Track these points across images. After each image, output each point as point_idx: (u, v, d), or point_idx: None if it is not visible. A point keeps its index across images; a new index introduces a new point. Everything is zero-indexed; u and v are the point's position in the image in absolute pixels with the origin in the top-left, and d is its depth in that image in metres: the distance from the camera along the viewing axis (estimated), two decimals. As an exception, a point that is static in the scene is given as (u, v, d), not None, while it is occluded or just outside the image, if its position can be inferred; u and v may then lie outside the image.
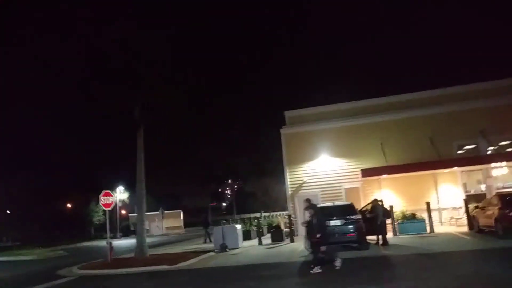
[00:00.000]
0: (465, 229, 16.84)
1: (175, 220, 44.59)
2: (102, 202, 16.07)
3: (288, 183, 22.31)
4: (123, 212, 51.30)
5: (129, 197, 44.42)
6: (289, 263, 12.65)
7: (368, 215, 15.28)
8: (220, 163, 54.51)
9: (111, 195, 16.37)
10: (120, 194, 42.48)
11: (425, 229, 17.28)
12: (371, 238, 14.95)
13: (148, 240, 29.98)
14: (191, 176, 59.44)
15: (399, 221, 17.83)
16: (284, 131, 22.73)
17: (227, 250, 17.09)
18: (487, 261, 10.26)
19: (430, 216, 17.32)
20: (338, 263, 10.45)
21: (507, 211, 13.11)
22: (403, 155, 20.14)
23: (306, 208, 11.62)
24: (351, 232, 13.47)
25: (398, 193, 20.61)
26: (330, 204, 15.08)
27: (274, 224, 21.24)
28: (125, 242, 33.07)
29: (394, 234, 17.46)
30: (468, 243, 13.35)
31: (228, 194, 69.03)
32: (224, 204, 73.50)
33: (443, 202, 19.98)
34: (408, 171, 19.03)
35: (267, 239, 20.10)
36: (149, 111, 17.28)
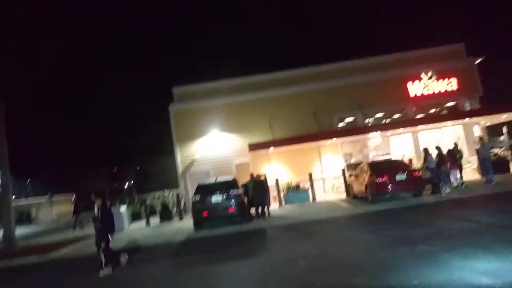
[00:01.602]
0: (344, 196, 18.01)
1: (67, 206, 41.50)
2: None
3: (179, 161, 21.82)
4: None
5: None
6: (173, 243, 12.30)
7: (249, 189, 15.46)
8: (116, 145, 51.77)
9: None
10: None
11: (309, 198, 18.16)
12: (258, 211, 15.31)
13: (34, 229, 27.66)
14: (88, 160, 55.79)
15: (284, 192, 18.51)
16: (172, 108, 22.03)
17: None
18: (350, 226, 10.97)
19: (312, 186, 18.21)
20: (123, 260, 9.53)
21: (375, 178, 14.18)
22: (290, 129, 20.82)
23: None
24: (232, 207, 13.55)
25: (286, 165, 21.36)
26: (212, 180, 14.95)
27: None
28: (19, 231, 29.96)
29: (280, 204, 18.10)
30: (341, 210, 14.22)
31: (128, 175, 66.22)
32: (126, 186, 70.59)
33: (326, 172, 21.16)
34: (292, 143, 19.67)
35: (158, 219, 19.54)
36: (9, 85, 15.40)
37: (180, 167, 21.73)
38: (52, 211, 39.57)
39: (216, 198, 13.63)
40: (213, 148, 21.60)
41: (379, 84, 21.24)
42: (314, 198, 18.10)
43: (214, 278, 7.25)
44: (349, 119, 22.11)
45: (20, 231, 27.65)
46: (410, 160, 17.82)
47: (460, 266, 5.69)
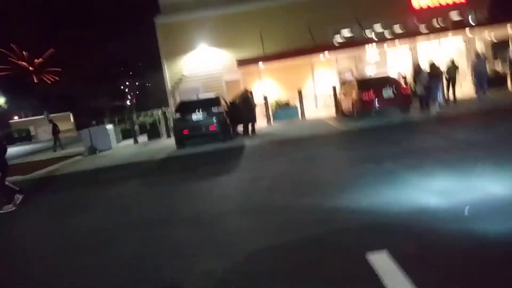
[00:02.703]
0: (334, 113, 17.62)
1: (65, 123, 41.87)
2: None
3: (167, 77, 21.20)
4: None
5: (8, 102, 40.18)
6: (150, 161, 12.28)
7: (233, 106, 15.08)
8: (114, 62, 50.58)
9: None
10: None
11: (297, 116, 17.82)
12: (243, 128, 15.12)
13: (32, 146, 28.05)
14: (87, 77, 55.00)
15: (273, 109, 18.15)
16: (159, 20, 20.83)
17: (97, 152, 16.27)
18: (329, 144, 10.73)
19: (301, 103, 17.76)
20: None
21: (361, 94, 13.66)
22: (282, 43, 19.75)
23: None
24: (213, 125, 13.29)
25: (278, 82, 20.72)
26: (193, 98, 14.51)
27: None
28: (12, 150, 30.55)
29: (268, 122, 17.84)
30: (326, 127, 13.93)
31: (129, 92, 65.74)
32: (128, 103, 70.54)
33: (319, 89, 20.52)
34: (284, 58, 18.82)
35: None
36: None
37: (168, 84, 21.18)
38: (50, 128, 39.83)
39: (197, 116, 13.34)
40: (202, 64, 20.82)
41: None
42: (303, 115, 17.75)
43: (174, 196, 7.18)
44: (346, 33, 20.88)
45: (18, 149, 28.17)
46: (405, 77, 17.07)
47: (415, 185, 5.45)
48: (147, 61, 48.49)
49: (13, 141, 36.38)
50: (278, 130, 15.36)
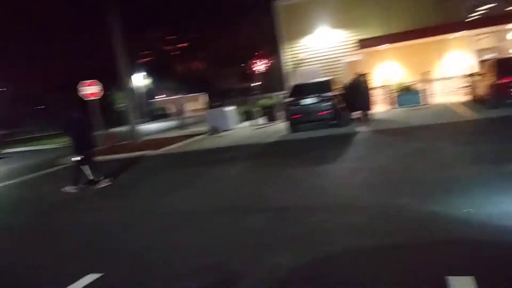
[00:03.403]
0: (466, 99, 15.72)
1: (197, 103, 45.38)
2: (82, 93, 16.15)
3: (285, 60, 21.28)
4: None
5: (153, 83, 45.07)
6: (261, 143, 12.64)
7: (349, 89, 14.44)
8: (241, 45, 52.50)
9: (96, 84, 16.32)
10: (142, 80, 43.01)
11: (419, 101, 16.36)
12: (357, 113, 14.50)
13: (168, 123, 31.12)
14: (219, 60, 58.43)
15: (394, 94, 16.96)
16: (279, 2, 20.88)
17: (217, 132, 17.29)
18: (450, 135, 9.61)
19: (425, 88, 16.23)
20: (103, 184, 9.14)
21: (498, 78, 11.87)
22: (409, 21, 18.10)
23: None
24: (325, 110, 12.97)
25: (403, 63, 19.18)
26: (306, 81, 14.29)
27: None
28: (152, 126, 34.55)
29: (390, 107, 16.77)
30: (451, 115, 12.55)
31: (255, 74, 67.81)
32: (255, 84, 72.99)
33: (451, 71, 18.43)
34: (410, 38, 17.31)
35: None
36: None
37: (286, 67, 21.27)
38: (186, 107, 43.62)
39: (309, 100, 13.14)
40: (322, 46, 20.35)
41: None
42: (429, 101, 16.21)
43: (270, 181, 7.26)
44: (484, 7, 18.23)
45: (155, 125, 31.56)
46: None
47: (538, 196, 4.55)
48: (271, 43, 49.22)
49: (153, 118, 40.97)
50: (397, 116, 14.32)
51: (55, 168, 14.11)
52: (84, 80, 16.46)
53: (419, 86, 16.69)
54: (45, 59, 40.50)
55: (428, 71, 17.10)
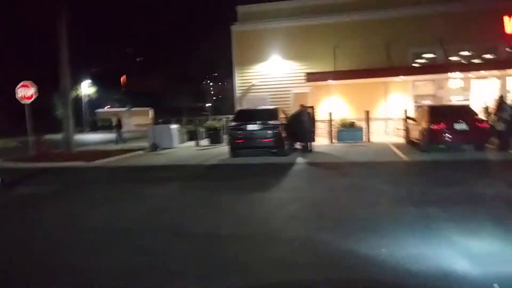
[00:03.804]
0: (402, 140, 16.46)
1: (144, 118, 44.36)
2: (19, 95, 15.20)
3: (237, 85, 21.39)
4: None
5: (98, 92, 43.55)
6: (199, 165, 12.38)
7: (293, 120, 14.64)
8: (194, 63, 52.60)
9: (29, 86, 15.39)
10: (87, 88, 41.47)
11: (362, 138, 16.93)
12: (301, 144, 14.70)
13: (110, 135, 29.81)
14: (171, 77, 57.79)
15: (337, 129, 17.43)
16: (235, 28, 21.12)
17: (158, 149, 16.79)
18: (382, 174, 9.87)
19: (368, 126, 16.86)
20: None
21: (430, 124, 12.53)
22: (355, 61, 18.92)
23: None
24: (268, 138, 12.99)
25: (347, 100, 19.85)
26: (251, 107, 14.34)
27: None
28: (92, 136, 33.09)
29: (331, 141, 17.17)
30: (387, 155, 13.02)
31: (205, 95, 67.88)
32: (208, 105, 72.94)
33: (390, 112, 19.33)
34: (355, 77, 18.05)
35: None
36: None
37: (237, 91, 21.36)
38: (131, 122, 42.44)
39: (252, 126, 13.13)
40: (272, 75, 20.69)
41: (467, 16, 18.04)
42: (368, 139, 16.81)
43: (198, 205, 7.01)
44: (427, 55, 19.50)
45: (96, 136, 30.29)
46: (487, 108, 15.41)
47: (453, 242, 4.66)
48: (224, 67, 49.70)
49: (96, 129, 39.39)
50: (337, 151, 14.65)
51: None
52: (25, 79, 15.58)
53: (361, 124, 17.29)
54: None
55: (371, 110, 17.77)
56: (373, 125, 17.48)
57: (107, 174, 11.74)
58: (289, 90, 20.54)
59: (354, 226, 5.43)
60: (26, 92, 15.29)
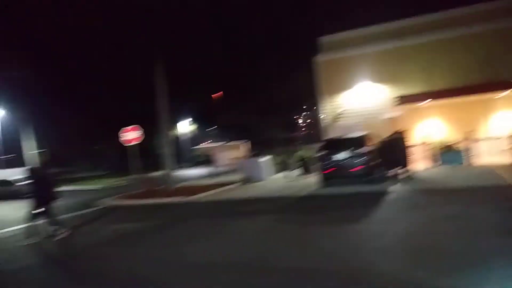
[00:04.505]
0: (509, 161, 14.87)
1: (239, 151, 45.94)
2: (127, 138, 16.87)
3: (325, 114, 21.30)
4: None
5: (196, 130, 46.41)
6: (288, 197, 12.45)
7: (382, 147, 14.07)
8: (283, 95, 53.54)
9: (136, 130, 17.02)
10: (186, 126, 44.44)
11: (462, 161, 15.63)
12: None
13: (208, 170, 31.52)
14: (259, 108, 59.53)
15: (435, 152, 16.36)
16: (319, 58, 21.26)
17: (250, 182, 17.27)
18: (484, 201, 8.98)
19: (468, 147, 15.56)
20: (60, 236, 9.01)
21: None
22: (450, 79, 17.82)
23: None
24: (358, 166, 12.67)
25: (444, 121, 18.60)
26: (340, 136, 14.14)
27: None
28: (192, 172, 35.21)
29: (429, 165, 16.15)
30: (493, 178, 11.81)
31: (301, 124, 68.43)
32: (300, 134, 73.48)
33: (495, 131, 17.61)
34: (452, 96, 16.89)
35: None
36: (165, 48, 17.28)
37: (325, 120, 21.24)
38: (227, 155, 44.23)
39: (341, 155, 12.93)
40: (360, 101, 20.27)
41: None
42: (470, 161, 15.46)
43: (287, 239, 7.03)
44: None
45: (195, 172, 32.09)
46: None
47: None
48: (313, 96, 49.83)
49: (195, 165, 41.88)
50: (437, 176, 13.73)
51: (88, 210, 14.50)
52: (129, 123, 17.33)
53: (462, 145, 16.05)
54: (97, 103, 43.00)
55: (472, 130, 16.43)
56: (474, 146, 16.09)
57: (202, 209, 12.37)
58: (379, 115, 19.88)
59: (456, 262, 5.02)
60: (133, 135, 16.91)
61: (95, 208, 14.77)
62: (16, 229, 10.04)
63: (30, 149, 30.88)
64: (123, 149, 18.87)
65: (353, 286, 4.60)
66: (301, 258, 5.91)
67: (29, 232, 9.01)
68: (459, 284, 4.22)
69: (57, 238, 8.93)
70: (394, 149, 13.67)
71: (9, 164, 29.29)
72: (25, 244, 8.80)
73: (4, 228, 11.26)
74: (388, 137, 14.42)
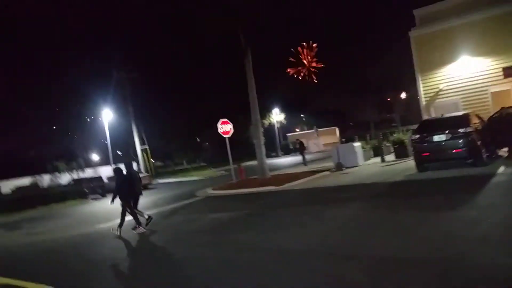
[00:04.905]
0: None
1: (332, 137, 45.35)
2: (221, 130, 17.67)
3: (422, 92, 19.95)
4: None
5: (286, 118, 46.70)
6: (383, 183, 12.02)
7: (494, 124, 12.74)
8: (375, 74, 51.03)
9: (228, 123, 17.76)
10: (276, 115, 44.96)
11: None
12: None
13: (299, 158, 31.84)
14: (354, 90, 57.55)
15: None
16: (414, 33, 19.84)
17: (343, 169, 16.98)
18: None
19: None
20: (139, 230, 9.95)
21: None
22: None
23: None
24: (459, 148, 11.68)
25: None
26: (437, 116, 13.15)
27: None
28: (285, 160, 35.78)
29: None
30: None
31: (395, 104, 64.81)
32: (397, 116, 69.89)
33: None
34: None
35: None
36: (254, 34, 17.58)
37: (423, 99, 19.91)
38: (319, 142, 43.98)
39: (439, 137, 12.03)
40: (462, 76, 18.56)
41: None
42: None
43: (373, 228, 6.85)
44: None
45: (287, 160, 32.43)
46: None
47: None
48: (410, 74, 46.83)
49: (289, 152, 42.33)
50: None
51: (190, 200, 15.52)
52: (227, 116, 18.23)
53: None
54: (199, 95, 45.39)
55: None
56: None
57: (294, 197, 12.49)
58: (485, 90, 18.07)
59: None
60: (225, 127, 17.69)
61: (194, 199, 15.76)
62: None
63: (138, 145, 33.79)
64: (222, 140, 19.87)
65: (442, 276, 4.33)
66: (389, 247, 5.71)
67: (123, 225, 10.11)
68: None
69: (136, 232, 9.86)
70: (504, 127, 12.32)
71: (117, 161, 32.45)
72: (123, 234, 9.89)
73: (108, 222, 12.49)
74: (496, 113, 13.06)
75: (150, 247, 8.74)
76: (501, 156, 12.97)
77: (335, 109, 56.69)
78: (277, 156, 42.13)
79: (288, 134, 49.97)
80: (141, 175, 27.01)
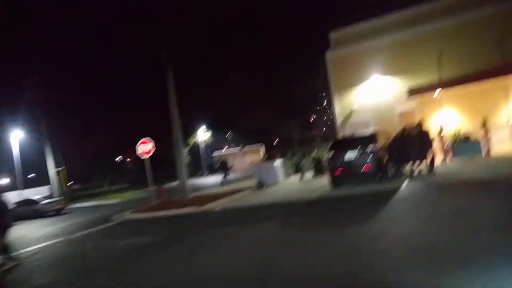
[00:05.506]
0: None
1: (256, 155, 45.93)
2: (140, 151, 17.01)
3: (338, 111, 20.96)
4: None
5: (213, 136, 46.56)
6: (299, 201, 12.27)
7: (393, 143, 13.66)
8: (297, 92, 52.87)
9: (148, 142, 17.15)
10: (202, 134, 44.67)
11: (480, 151, 15.07)
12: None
13: (222, 177, 31.56)
14: (277, 109, 58.96)
15: (451, 144, 15.85)
16: (329, 54, 20.93)
17: (264, 187, 17.14)
18: (498, 191, 8.60)
19: (486, 136, 14.99)
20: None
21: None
22: (463, 66, 17.20)
23: None
24: (366, 165, 12.35)
25: (460, 111, 18.00)
26: (347, 136, 13.86)
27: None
28: (210, 179, 35.34)
29: (444, 158, 15.64)
30: (501, 169, 11.32)
31: (317, 123, 67.44)
32: (318, 133, 72.38)
33: (515, 118, 16.94)
34: (466, 82, 16.26)
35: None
36: (176, 51, 17.38)
37: (338, 118, 20.91)
38: (244, 160, 44.31)
39: (350, 155, 12.64)
40: (373, 96, 19.83)
41: None
42: (488, 151, 14.88)
43: (290, 245, 6.88)
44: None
45: (211, 179, 32.18)
46: None
47: None
48: (327, 93, 49.23)
49: (215, 171, 42.04)
50: (451, 169, 13.27)
51: (104, 225, 14.64)
52: (148, 135, 17.56)
53: (479, 135, 15.47)
54: (115, 118, 43.57)
55: (489, 119, 15.81)
56: (493, 135, 15.49)
57: (213, 218, 12.30)
58: (393, 109, 19.42)
59: (455, 261, 4.77)
60: (145, 147, 17.04)
61: (111, 223, 14.90)
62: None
63: (51, 168, 31.54)
64: (142, 161, 19.10)
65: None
66: (299, 265, 5.78)
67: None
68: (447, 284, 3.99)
69: (5, 268, 8.90)
70: (408, 144, 13.20)
71: (28, 184, 30.06)
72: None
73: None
74: (398, 132, 14.03)
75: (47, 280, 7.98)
76: (406, 172, 13.82)
77: (262, 127, 57.50)
78: (203, 175, 41.70)
79: (214, 153, 49.80)
80: (53, 199, 25.53)
